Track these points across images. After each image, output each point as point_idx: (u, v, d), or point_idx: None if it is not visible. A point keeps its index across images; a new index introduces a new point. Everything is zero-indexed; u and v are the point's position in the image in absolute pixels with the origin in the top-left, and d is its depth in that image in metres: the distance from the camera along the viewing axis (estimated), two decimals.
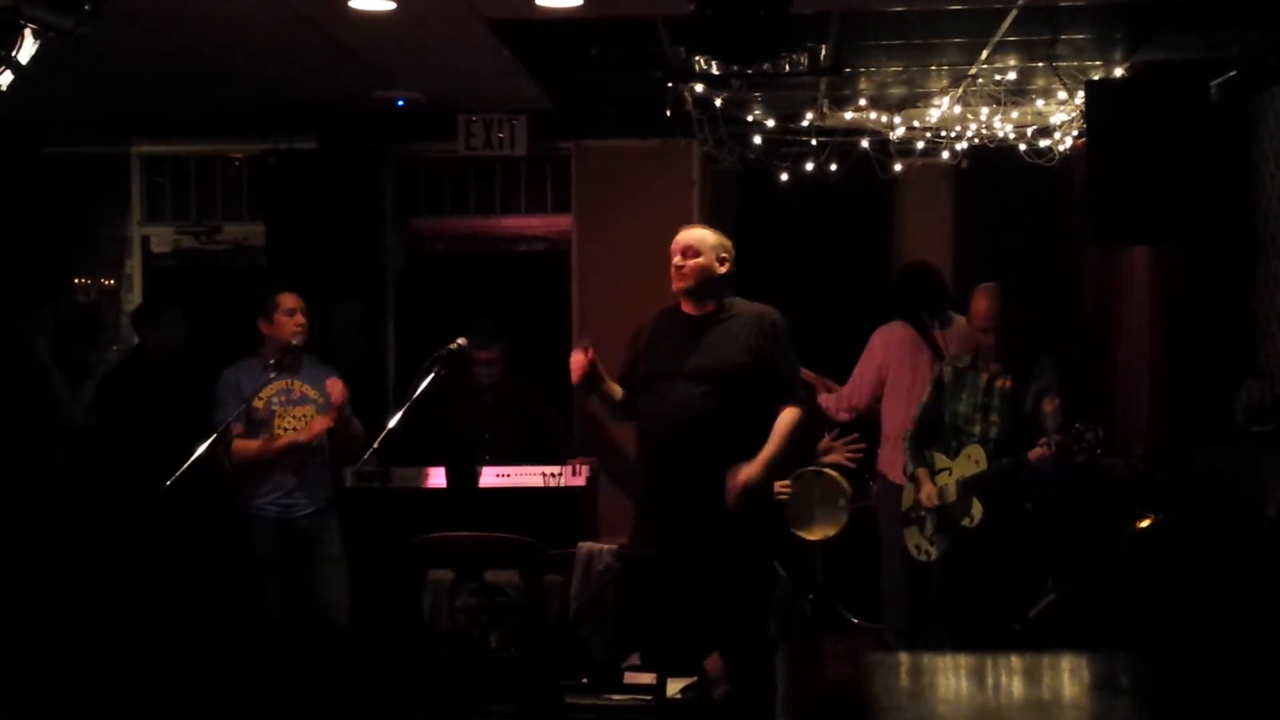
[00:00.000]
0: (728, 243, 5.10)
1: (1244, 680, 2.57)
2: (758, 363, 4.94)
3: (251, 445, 5.80)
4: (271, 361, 5.86)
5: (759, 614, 5.10)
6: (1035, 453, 5.29)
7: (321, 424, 5.86)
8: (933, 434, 5.71)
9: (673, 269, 5.05)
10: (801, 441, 5.26)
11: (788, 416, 4.94)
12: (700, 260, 5.00)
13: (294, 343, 5.87)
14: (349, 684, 5.83)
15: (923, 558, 5.71)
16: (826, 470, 5.89)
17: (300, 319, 5.90)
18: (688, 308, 5.08)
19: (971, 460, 5.47)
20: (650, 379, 5.05)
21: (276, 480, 5.87)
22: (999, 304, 5.53)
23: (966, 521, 5.45)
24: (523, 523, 5.48)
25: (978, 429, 5.50)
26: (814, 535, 5.83)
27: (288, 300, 5.91)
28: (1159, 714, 2.41)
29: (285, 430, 5.87)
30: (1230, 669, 2.66)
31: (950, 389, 5.63)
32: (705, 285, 5.01)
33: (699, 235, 5.07)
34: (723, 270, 5.04)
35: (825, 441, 6.07)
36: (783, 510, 5.46)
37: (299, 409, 5.90)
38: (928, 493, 5.60)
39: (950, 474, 5.56)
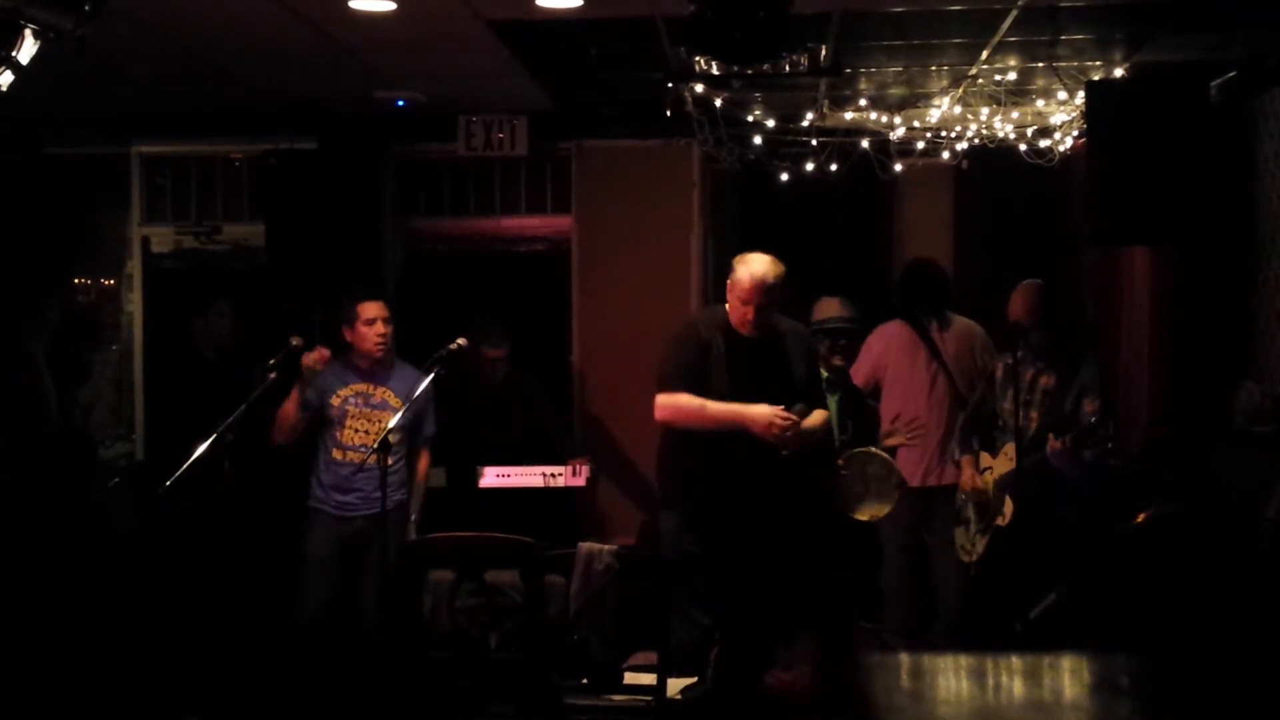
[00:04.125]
0: (782, 268, 5.17)
1: (1243, 681, 2.57)
2: (806, 378, 5.20)
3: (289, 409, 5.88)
4: (361, 368, 5.96)
5: (767, 621, 5.18)
6: (1051, 446, 5.31)
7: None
8: (979, 426, 5.74)
9: (746, 307, 5.08)
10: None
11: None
12: (769, 303, 5.10)
13: (376, 354, 5.92)
14: (349, 684, 5.83)
15: (965, 557, 5.72)
16: (876, 451, 5.99)
17: (381, 329, 5.91)
18: (747, 331, 5.13)
19: (1007, 457, 5.50)
20: (726, 397, 5.08)
21: (338, 479, 5.92)
22: (1036, 301, 5.55)
23: (1000, 520, 5.46)
24: (523, 523, 5.48)
25: (1018, 424, 5.52)
26: (864, 515, 5.91)
27: (369, 310, 5.93)
28: (1159, 715, 2.41)
29: (355, 432, 5.91)
30: (1230, 670, 2.66)
31: (1000, 385, 5.65)
32: (768, 324, 5.12)
33: (777, 282, 5.10)
34: (780, 299, 5.17)
35: (886, 425, 6.20)
36: (837, 489, 5.62)
37: (376, 414, 5.91)
38: (967, 478, 5.62)
39: (991, 472, 5.58)
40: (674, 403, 5.10)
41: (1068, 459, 5.31)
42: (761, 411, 4.97)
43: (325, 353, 5.80)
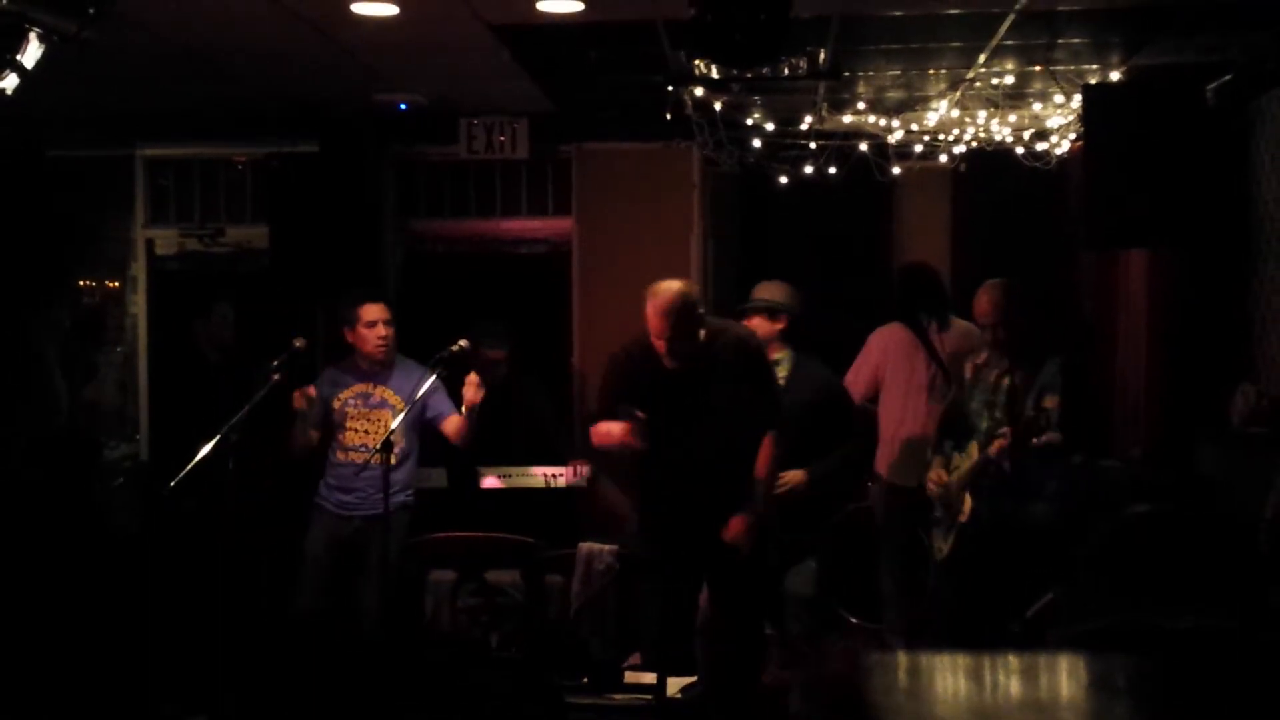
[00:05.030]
0: (695, 294, 5.07)
1: (1241, 682, 2.58)
2: (747, 394, 5.07)
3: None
4: (362, 368, 6.01)
5: (753, 615, 5.16)
6: (995, 445, 5.31)
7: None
8: (953, 429, 5.74)
9: (659, 340, 5.01)
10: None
11: (768, 445, 5.09)
12: (681, 339, 4.98)
13: (377, 356, 5.97)
14: (351, 683, 5.86)
15: (937, 556, 5.74)
16: None
17: (382, 331, 5.95)
18: (666, 362, 5.05)
19: (970, 457, 5.50)
20: (651, 420, 5.07)
21: (340, 479, 5.96)
22: (1001, 300, 5.54)
23: (961, 518, 5.48)
24: (523, 523, 5.51)
25: (985, 424, 5.52)
26: None
27: (370, 312, 5.97)
28: (1156, 715, 2.42)
29: (354, 433, 5.96)
30: (1228, 671, 2.68)
31: (970, 386, 5.66)
32: (688, 352, 5.02)
33: (674, 310, 4.95)
34: (698, 327, 5.03)
35: (885, 428, 6.35)
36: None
37: (375, 413, 5.96)
38: (933, 476, 5.62)
39: (958, 471, 5.59)
40: (595, 433, 5.19)
41: (1016, 449, 5.28)
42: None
43: (311, 390, 5.86)
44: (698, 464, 5.00)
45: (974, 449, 5.48)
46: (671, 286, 5.01)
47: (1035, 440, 5.19)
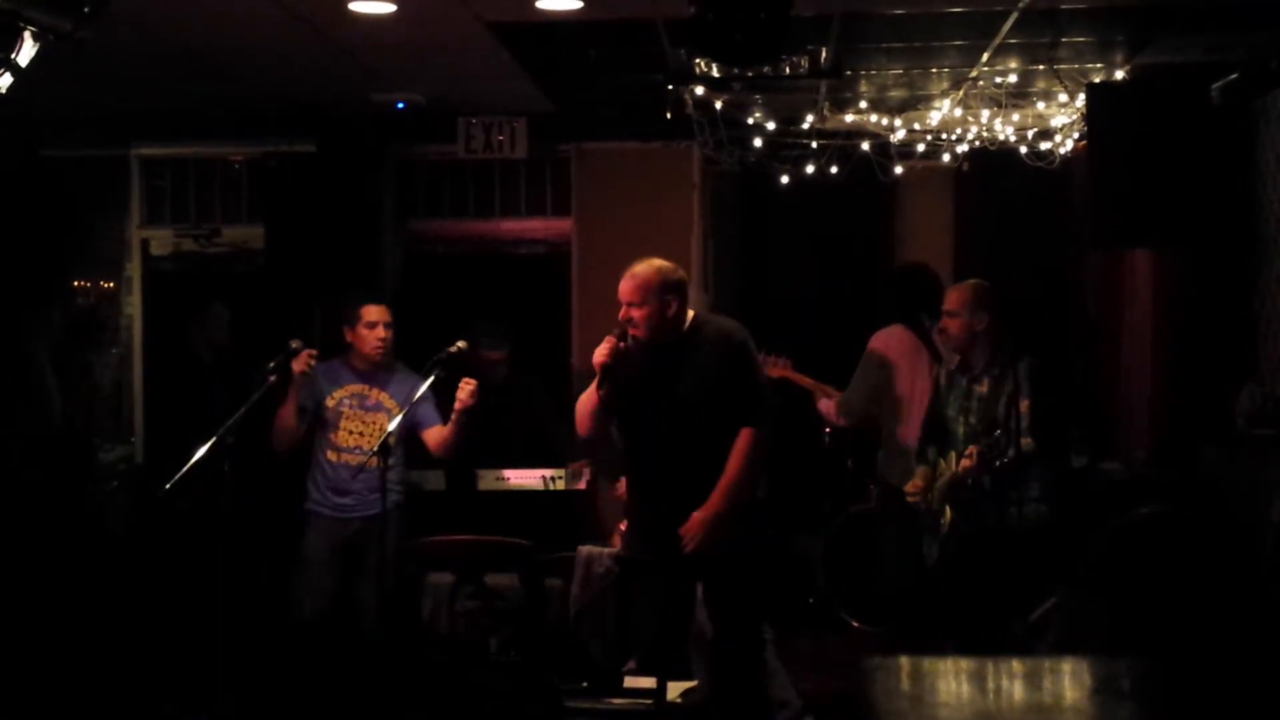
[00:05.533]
0: (674, 276, 4.97)
1: (1244, 684, 2.56)
2: (726, 387, 4.93)
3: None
4: (359, 369, 5.97)
5: (750, 616, 5.11)
6: (962, 465, 5.28)
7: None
8: (934, 435, 5.70)
9: (623, 315, 4.96)
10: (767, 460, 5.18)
11: (744, 440, 4.89)
12: (646, 310, 4.91)
13: (375, 358, 5.94)
14: (349, 685, 5.83)
15: (928, 561, 5.72)
16: None
17: (382, 332, 5.92)
18: (636, 333, 4.98)
19: (951, 468, 5.48)
20: (627, 406, 5.00)
21: (334, 481, 5.92)
22: (966, 298, 5.50)
23: (942, 529, 5.45)
24: (522, 526, 5.48)
25: (961, 431, 5.49)
26: None
27: (370, 313, 5.94)
28: (1160, 718, 2.40)
29: (349, 434, 5.92)
30: (1230, 673, 2.65)
31: (944, 392, 5.63)
32: (659, 329, 4.94)
33: (642, 281, 4.92)
34: (673, 309, 4.94)
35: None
36: None
37: (371, 415, 5.92)
38: (911, 486, 5.59)
39: (942, 479, 5.56)
40: (577, 411, 5.11)
41: (981, 471, 5.24)
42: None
43: (312, 353, 5.78)
44: (678, 459, 4.93)
45: (954, 458, 5.45)
46: (652, 261, 4.98)
47: (998, 463, 5.16)
